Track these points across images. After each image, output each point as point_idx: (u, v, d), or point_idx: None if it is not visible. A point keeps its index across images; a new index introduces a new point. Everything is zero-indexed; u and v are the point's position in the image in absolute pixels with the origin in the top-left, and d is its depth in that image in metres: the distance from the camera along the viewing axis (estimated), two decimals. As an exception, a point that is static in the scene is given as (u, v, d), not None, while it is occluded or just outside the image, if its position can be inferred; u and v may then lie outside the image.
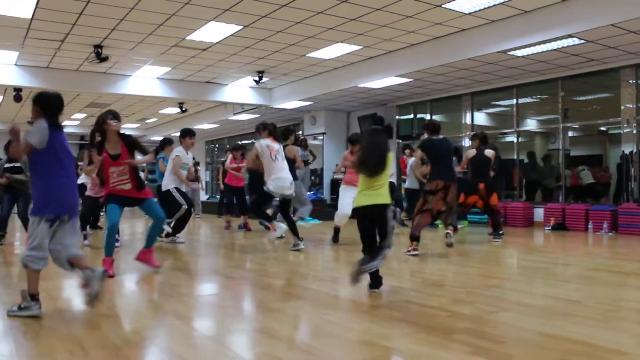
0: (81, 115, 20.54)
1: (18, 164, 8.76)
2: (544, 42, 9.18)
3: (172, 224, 8.57)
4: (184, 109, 17.53)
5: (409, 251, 7.09)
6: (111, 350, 3.27)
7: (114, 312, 4.26)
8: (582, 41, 9.12)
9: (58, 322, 3.87)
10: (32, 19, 9.16)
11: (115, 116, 5.76)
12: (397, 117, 15.82)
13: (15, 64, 12.46)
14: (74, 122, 22.65)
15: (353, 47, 11.12)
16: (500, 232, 8.98)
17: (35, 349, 3.29)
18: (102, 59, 11.09)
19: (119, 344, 3.45)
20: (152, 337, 3.55)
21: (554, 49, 9.66)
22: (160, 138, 11.74)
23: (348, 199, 7.53)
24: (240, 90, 15.28)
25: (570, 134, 13.73)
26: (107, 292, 5.05)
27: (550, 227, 11.31)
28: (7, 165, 8.74)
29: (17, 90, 13.69)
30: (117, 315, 4.18)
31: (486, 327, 3.68)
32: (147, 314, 4.29)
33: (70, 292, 5.31)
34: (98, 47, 10.87)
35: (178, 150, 8.59)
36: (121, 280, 5.70)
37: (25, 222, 8.76)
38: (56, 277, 5.90)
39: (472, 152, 9.27)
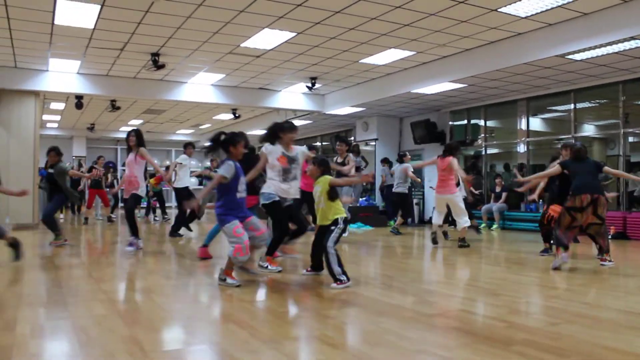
0: (138, 122, 21.09)
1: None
2: (605, 45, 8.89)
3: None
4: (237, 115, 17.79)
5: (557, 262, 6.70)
6: (171, 354, 3.33)
7: (172, 316, 4.33)
8: (646, 44, 8.81)
9: (118, 323, 3.96)
10: (94, 29, 9.47)
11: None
12: (450, 122, 15.63)
13: (77, 73, 12.91)
14: (130, 129, 23.27)
15: (406, 53, 11.05)
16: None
17: (97, 350, 3.37)
18: (159, 66, 11.37)
19: (178, 347, 3.52)
20: (210, 342, 3.60)
21: (615, 52, 9.36)
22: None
23: None
24: (293, 96, 15.39)
25: (630, 139, 13.28)
26: (164, 296, 5.16)
27: (610, 236, 10.92)
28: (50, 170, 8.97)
29: (79, 97, 14.18)
30: (175, 319, 4.25)
31: (547, 339, 3.57)
32: (205, 318, 4.35)
33: (130, 294, 5.45)
34: (155, 55, 11.15)
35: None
36: (178, 285, 5.80)
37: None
38: (115, 280, 6.07)
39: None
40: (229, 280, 5.37)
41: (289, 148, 6.34)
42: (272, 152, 6.30)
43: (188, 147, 11.47)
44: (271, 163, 6.29)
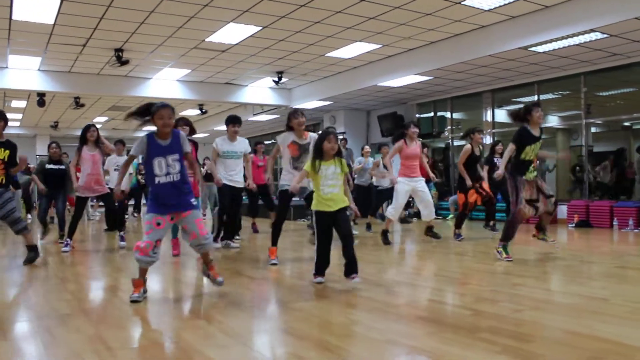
0: (102, 119, 20.76)
1: (62, 167, 9.22)
2: (566, 37, 9.07)
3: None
4: (204, 110, 17.65)
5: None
6: (137, 351, 3.29)
7: (139, 313, 4.28)
8: (605, 35, 8.99)
9: (84, 323, 3.90)
10: (54, 24, 9.29)
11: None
12: (417, 115, 15.76)
13: (39, 70, 12.65)
14: (97, 125, 22.91)
15: (372, 46, 11.09)
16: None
17: (62, 350, 3.32)
18: (122, 62, 11.21)
19: (145, 345, 3.48)
20: (178, 338, 3.57)
21: (576, 44, 9.54)
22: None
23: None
24: (259, 91, 15.34)
25: (593, 129, 13.57)
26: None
27: (573, 225, 11.18)
28: (49, 166, 9.13)
29: (41, 95, 13.90)
30: (142, 316, 4.21)
31: (512, 325, 3.64)
32: (172, 314, 4.31)
33: (96, 293, 5.37)
34: (119, 50, 10.99)
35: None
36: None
37: (62, 221, 8.97)
38: (80, 279, 5.98)
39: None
40: (132, 295, 4.47)
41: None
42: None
43: (117, 144, 11.02)
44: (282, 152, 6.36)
